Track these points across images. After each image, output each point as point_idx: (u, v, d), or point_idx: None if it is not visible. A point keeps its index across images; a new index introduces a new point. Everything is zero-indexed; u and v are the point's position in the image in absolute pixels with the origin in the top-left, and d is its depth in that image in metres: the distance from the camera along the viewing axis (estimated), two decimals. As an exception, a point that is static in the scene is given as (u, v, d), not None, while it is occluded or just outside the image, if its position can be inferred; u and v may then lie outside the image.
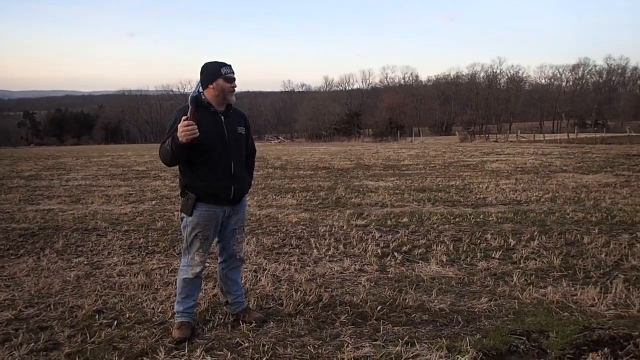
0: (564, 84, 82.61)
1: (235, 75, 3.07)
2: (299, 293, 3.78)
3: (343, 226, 6.38)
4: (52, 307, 3.62)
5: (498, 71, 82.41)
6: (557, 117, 75.29)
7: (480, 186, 10.07)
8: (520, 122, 73.54)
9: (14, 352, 2.89)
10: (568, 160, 16.12)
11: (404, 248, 5.18)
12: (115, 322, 3.32)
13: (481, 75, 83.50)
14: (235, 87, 3.06)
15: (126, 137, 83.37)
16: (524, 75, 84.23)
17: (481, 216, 6.83)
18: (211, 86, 3.01)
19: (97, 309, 3.57)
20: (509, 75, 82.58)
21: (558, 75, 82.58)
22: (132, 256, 5.09)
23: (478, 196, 8.74)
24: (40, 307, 3.63)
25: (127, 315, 3.43)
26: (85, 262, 4.86)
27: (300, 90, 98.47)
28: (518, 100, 79.19)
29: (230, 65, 3.05)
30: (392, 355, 2.77)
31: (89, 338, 3.07)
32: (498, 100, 77.79)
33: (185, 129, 2.78)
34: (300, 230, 6.19)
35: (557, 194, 8.66)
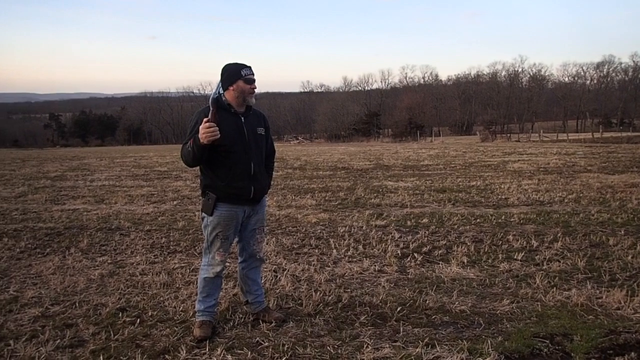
0: (588, 82, 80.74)
1: (255, 77, 3.09)
2: (318, 293, 3.79)
3: (362, 227, 6.36)
4: (77, 304, 3.71)
5: (520, 70, 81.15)
6: (581, 116, 73.73)
7: (502, 187, 9.93)
8: (542, 121, 72.12)
9: (41, 348, 2.96)
10: (593, 160, 15.78)
11: (424, 249, 5.15)
12: (138, 320, 3.37)
13: (502, 74, 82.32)
14: (255, 88, 3.08)
15: (148, 138, 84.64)
16: (546, 74, 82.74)
17: (503, 217, 6.74)
18: (231, 88, 3.04)
19: (120, 307, 3.63)
20: (531, 73, 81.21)
21: (582, 73, 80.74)
22: (154, 255, 5.17)
23: (500, 197, 8.62)
24: (65, 304, 3.72)
25: (150, 314, 3.49)
26: (109, 261, 4.96)
27: (319, 90, 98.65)
28: (540, 99, 77.75)
29: (250, 67, 3.08)
30: (412, 357, 2.75)
31: (112, 335, 3.13)
32: (520, 99, 76.49)
33: (206, 130, 2.81)
34: (319, 231, 6.20)
35: (581, 195, 8.49)
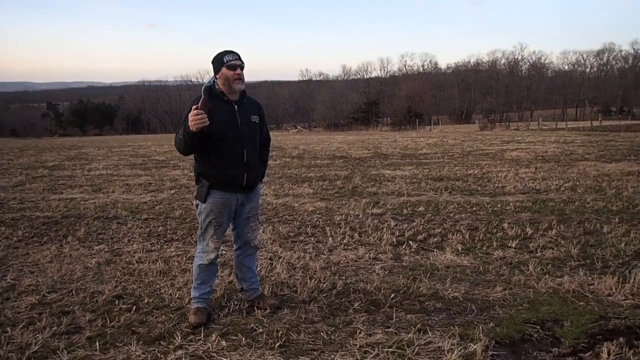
0: (587, 70, 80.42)
1: (242, 62, 3.04)
2: (313, 280, 3.82)
3: (359, 215, 6.39)
4: (74, 292, 3.74)
5: (519, 57, 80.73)
6: (580, 104, 73.47)
7: (499, 175, 9.95)
8: (542, 109, 71.97)
9: (38, 335, 3.00)
10: (590, 149, 15.79)
11: (419, 237, 5.18)
12: (134, 307, 3.41)
13: (502, 62, 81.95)
14: (240, 74, 3.03)
15: (146, 128, 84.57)
16: (546, 62, 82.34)
17: (499, 205, 6.77)
18: (218, 76, 3.04)
19: (117, 294, 3.67)
20: (530, 61, 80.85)
21: (582, 61, 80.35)
22: (151, 244, 5.20)
23: (496, 185, 8.64)
24: (62, 292, 3.75)
25: (146, 301, 3.52)
26: (106, 250, 4.99)
27: (318, 79, 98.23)
28: (540, 87, 77.50)
29: (233, 53, 3.05)
30: (404, 342, 2.79)
31: (109, 322, 3.16)
32: (519, 87, 76.21)
33: (194, 118, 2.82)
34: (316, 219, 6.22)
35: (577, 183, 8.52)
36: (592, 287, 3.59)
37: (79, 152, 21.49)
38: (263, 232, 5.45)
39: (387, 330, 2.97)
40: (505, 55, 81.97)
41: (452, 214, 6.29)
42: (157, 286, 3.83)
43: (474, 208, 6.65)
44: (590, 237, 5.01)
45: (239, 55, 3.06)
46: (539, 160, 12.91)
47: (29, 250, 5.01)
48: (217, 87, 3.05)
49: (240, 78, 3.04)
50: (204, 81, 3.36)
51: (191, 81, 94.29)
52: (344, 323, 3.09)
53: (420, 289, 3.62)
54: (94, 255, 4.77)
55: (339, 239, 5.19)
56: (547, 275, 3.85)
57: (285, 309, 3.32)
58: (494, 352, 2.69)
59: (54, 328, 3.09)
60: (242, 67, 3.05)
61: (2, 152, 23.16)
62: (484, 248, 4.71)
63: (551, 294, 3.47)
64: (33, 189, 9.66)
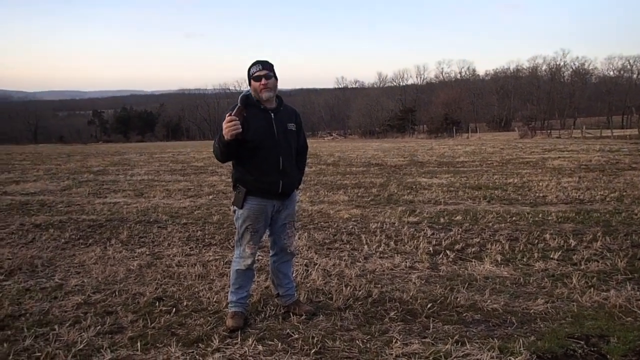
0: (634, 75, 77.00)
1: (267, 71, 3.04)
2: (348, 288, 3.81)
3: (395, 223, 6.34)
4: (117, 293, 3.87)
5: (562, 64, 78.01)
6: (627, 112, 70.41)
7: (540, 184, 9.67)
8: (585, 117, 69.39)
9: (83, 333, 3.12)
10: (638, 157, 15.11)
11: (457, 246, 5.09)
12: (174, 309, 3.49)
13: (543, 68, 79.56)
14: (265, 84, 3.04)
15: (186, 135, 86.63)
16: (590, 68, 79.26)
17: (540, 215, 6.57)
18: (250, 87, 3.11)
19: (157, 296, 3.77)
20: (573, 67, 78.08)
21: (628, 66, 76.83)
22: (190, 248, 5.32)
23: (537, 194, 8.40)
24: (106, 293, 3.89)
25: (185, 304, 3.60)
26: (147, 253, 5.14)
27: (354, 86, 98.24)
28: (583, 94, 74.76)
29: (258, 64, 3.07)
30: (442, 353, 2.74)
31: (149, 323, 3.26)
32: (561, 94, 73.74)
33: (227, 125, 2.88)
34: (351, 226, 6.21)
35: (624, 193, 8.17)
36: (640, 302, 3.43)
37: (122, 158, 22.24)
38: (299, 238, 5.49)
39: (423, 340, 2.93)
40: (546, 62, 79.50)
41: (490, 224, 6.15)
42: (196, 289, 3.92)
43: (513, 218, 6.48)
44: (638, 250, 4.80)
45: (263, 65, 3.06)
46: (582, 169, 12.46)
47: (76, 252, 5.22)
48: (253, 95, 3.12)
49: (267, 87, 3.06)
50: (242, 89, 3.43)
51: (229, 89, 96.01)
52: (380, 332, 3.07)
53: (458, 299, 3.56)
54: (135, 258, 4.92)
55: (374, 246, 5.16)
56: (592, 288, 3.71)
57: (321, 316, 3.33)
58: (536, 367, 2.61)
59: (98, 327, 3.21)
60: (267, 77, 3.04)
61: (51, 157, 24.25)
62: (525, 259, 4.58)
63: (596, 309, 3.34)
64: (79, 193, 10.07)
